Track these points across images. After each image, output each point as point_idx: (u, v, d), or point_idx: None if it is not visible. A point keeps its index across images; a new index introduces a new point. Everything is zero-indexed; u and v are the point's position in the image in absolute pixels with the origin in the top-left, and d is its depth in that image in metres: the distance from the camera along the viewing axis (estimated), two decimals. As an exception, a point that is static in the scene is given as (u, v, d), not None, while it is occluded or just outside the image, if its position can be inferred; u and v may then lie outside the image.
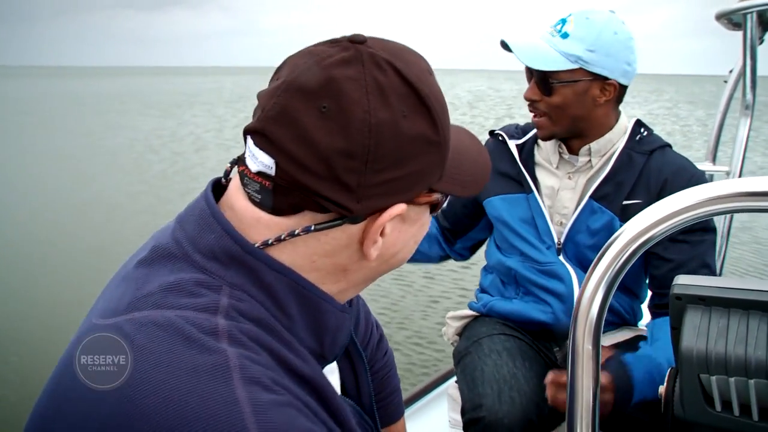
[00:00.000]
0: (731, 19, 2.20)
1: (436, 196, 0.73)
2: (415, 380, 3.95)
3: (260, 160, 0.65)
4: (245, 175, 0.68)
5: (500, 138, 1.77)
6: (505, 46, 1.57)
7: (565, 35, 1.53)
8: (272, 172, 0.65)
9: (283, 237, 0.67)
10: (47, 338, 4.68)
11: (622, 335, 1.65)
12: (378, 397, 1.19)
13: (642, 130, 1.64)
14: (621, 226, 1.50)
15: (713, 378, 0.75)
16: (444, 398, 1.98)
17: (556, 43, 1.52)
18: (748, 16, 2.09)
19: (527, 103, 1.64)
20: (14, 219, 8.64)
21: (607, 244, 0.74)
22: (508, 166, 1.72)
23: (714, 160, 2.53)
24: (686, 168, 1.56)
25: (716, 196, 0.69)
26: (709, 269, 1.52)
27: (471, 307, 1.82)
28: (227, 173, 0.75)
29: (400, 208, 0.68)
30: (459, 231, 1.87)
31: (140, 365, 0.59)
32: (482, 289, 1.83)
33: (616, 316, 1.66)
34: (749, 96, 2.27)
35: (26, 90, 49.22)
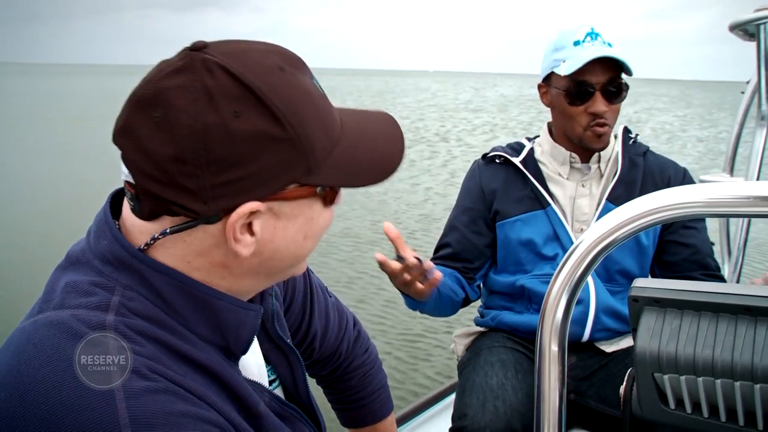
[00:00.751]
0: (746, 30, 2.18)
1: (314, 189, 0.73)
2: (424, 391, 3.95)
3: (123, 171, 0.71)
4: (125, 184, 0.74)
5: (498, 160, 1.79)
6: (594, 58, 1.56)
7: (610, 45, 1.61)
8: (132, 180, 0.70)
9: (149, 241, 0.71)
10: None
11: (627, 342, 1.67)
12: (362, 395, 1.22)
13: (630, 135, 1.78)
14: (644, 234, 1.58)
15: (666, 377, 0.77)
16: (448, 409, 2.01)
17: (619, 53, 1.58)
18: (762, 26, 2.07)
19: (589, 117, 1.63)
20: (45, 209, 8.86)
21: (574, 244, 0.77)
22: (517, 185, 1.74)
23: (732, 171, 2.50)
24: (677, 166, 1.77)
25: (668, 204, 0.71)
26: (712, 251, 1.73)
27: (477, 323, 1.85)
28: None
29: (251, 205, 0.69)
30: (478, 264, 1.78)
31: (32, 362, 0.65)
32: (487, 306, 1.85)
33: (628, 323, 1.64)
34: (765, 107, 2.24)
35: (57, 87, 50.49)
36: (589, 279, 1.62)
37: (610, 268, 1.66)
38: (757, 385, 0.72)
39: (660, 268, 1.72)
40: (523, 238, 1.68)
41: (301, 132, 0.69)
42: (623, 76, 1.63)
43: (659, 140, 18.60)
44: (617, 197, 1.65)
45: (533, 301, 1.68)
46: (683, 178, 1.74)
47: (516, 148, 1.82)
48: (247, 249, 0.72)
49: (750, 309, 0.75)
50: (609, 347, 1.66)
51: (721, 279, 1.72)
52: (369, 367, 1.23)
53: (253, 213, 0.70)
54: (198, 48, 0.69)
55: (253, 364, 0.88)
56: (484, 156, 1.83)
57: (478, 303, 1.91)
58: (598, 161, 1.71)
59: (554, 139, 1.76)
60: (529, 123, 23.46)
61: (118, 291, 0.70)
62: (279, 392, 0.97)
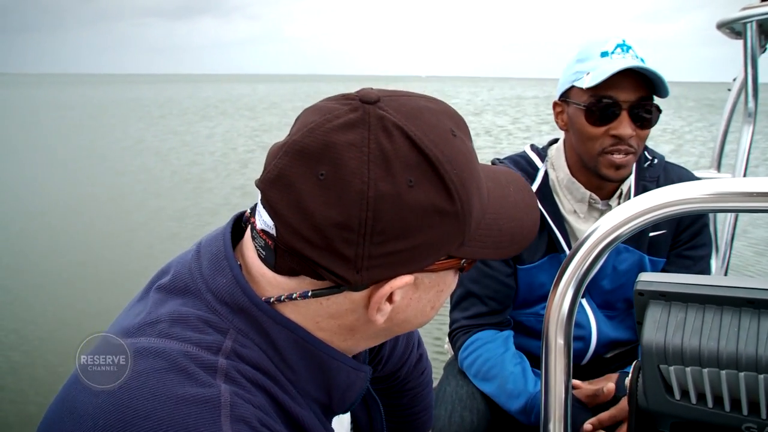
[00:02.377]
0: (732, 28, 2.22)
1: (458, 261, 0.69)
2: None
3: (264, 219, 0.65)
4: (254, 229, 0.68)
5: None
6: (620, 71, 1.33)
7: (643, 60, 1.38)
8: (273, 233, 0.64)
9: (282, 298, 0.67)
10: (51, 341, 4.75)
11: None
12: (408, 412, 1.20)
13: (647, 155, 1.57)
14: (650, 261, 1.55)
15: (671, 368, 0.79)
16: None
17: (649, 66, 1.36)
18: (748, 25, 2.11)
19: (610, 141, 1.38)
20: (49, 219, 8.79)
21: (580, 239, 0.78)
22: None
23: (719, 167, 2.54)
24: (690, 178, 1.56)
25: (680, 198, 0.72)
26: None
27: None
28: (247, 218, 0.74)
29: (406, 279, 0.65)
30: (510, 301, 1.60)
31: (134, 392, 0.60)
32: None
33: (627, 345, 1.62)
34: (751, 104, 2.29)
35: (52, 97, 50.04)
36: (590, 313, 1.57)
37: (613, 299, 1.58)
38: (761, 376, 0.74)
39: None
40: (534, 283, 1.54)
41: (467, 206, 0.65)
42: (655, 98, 1.40)
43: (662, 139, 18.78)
44: (630, 238, 1.48)
45: (530, 334, 1.60)
46: None
47: (527, 169, 1.57)
48: (384, 317, 0.69)
49: (754, 302, 0.77)
50: (609, 353, 1.64)
51: None
52: (422, 388, 1.20)
53: (401, 286, 0.66)
54: (371, 101, 0.63)
55: (342, 419, 0.87)
56: None
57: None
58: (619, 197, 1.51)
59: (570, 168, 1.52)
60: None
61: (231, 335, 0.66)
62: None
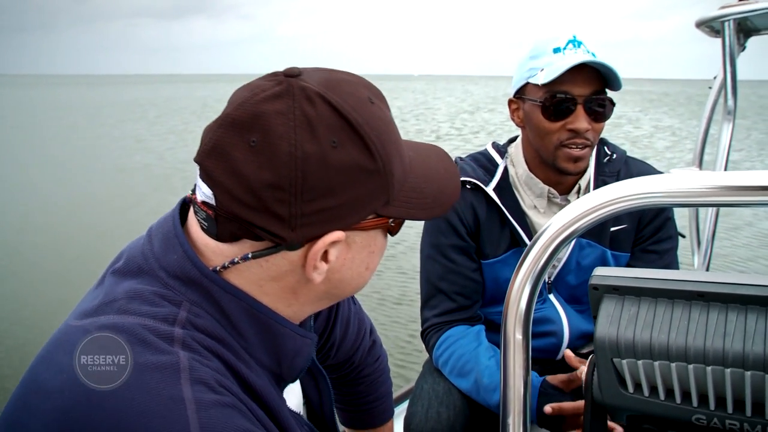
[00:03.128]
0: (711, 27, 2.24)
1: (387, 221, 0.75)
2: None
3: (203, 191, 0.70)
4: (195, 203, 0.73)
5: (469, 186, 1.55)
6: (573, 65, 1.35)
7: (594, 55, 1.39)
8: (213, 202, 0.69)
9: (226, 264, 0.71)
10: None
11: None
12: (367, 400, 1.25)
13: (606, 150, 1.59)
14: (612, 256, 1.57)
15: (624, 362, 0.80)
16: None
17: (600, 60, 1.38)
18: (726, 23, 2.12)
19: (567, 134, 1.41)
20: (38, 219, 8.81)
21: (537, 234, 0.79)
22: (495, 220, 1.55)
23: (700, 164, 2.56)
24: (653, 172, 1.61)
25: (634, 193, 0.73)
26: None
27: None
28: (190, 198, 0.78)
29: (337, 235, 0.70)
30: (479, 296, 1.62)
31: None
32: None
33: None
34: (731, 102, 2.30)
35: (44, 98, 49.94)
36: (560, 309, 1.59)
37: (580, 294, 1.60)
38: (709, 368, 0.75)
39: None
40: (500, 278, 1.56)
41: (387, 164, 0.71)
42: (608, 91, 1.44)
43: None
44: (588, 232, 1.45)
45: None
46: None
47: (486, 166, 1.60)
48: (321, 276, 0.73)
49: (703, 295, 0.78)
50: (584, 349, 1.65)
51: None
52: (378, 375, 1.25)
53: (333, 242, 0.71)
54: (294, 74, 0.69)
55: (295, 392, 0.91)
56: None
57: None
58: (578, 192, 1.55)
59: (528, 164, 1.55)
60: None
61: (185, 306, 0.70)
62: (304, 413, 1.00)
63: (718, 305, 0.77)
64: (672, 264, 1.60)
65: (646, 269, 0.86)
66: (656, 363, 0.78)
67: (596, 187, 1.52)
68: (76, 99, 48.13)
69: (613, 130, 19.68)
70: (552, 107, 1.41)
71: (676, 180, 0.72)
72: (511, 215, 1.54)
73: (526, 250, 0.80)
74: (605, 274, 0.84)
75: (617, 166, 1.56)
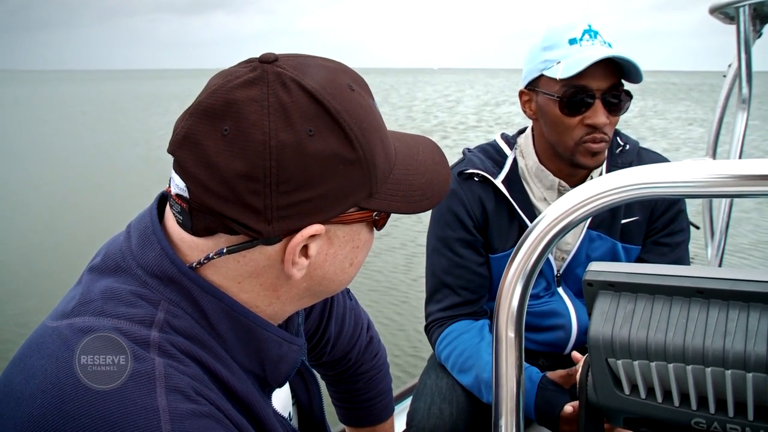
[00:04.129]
0: (726, 13, 2.17)
1: (371, 214, 0.72)
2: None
3: (176, 183, 0.67)
4: (170, 196, 0.70)
5: (477, 178, 1.53)
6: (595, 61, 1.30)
7: (610, 45, 1.37)
8: (186, 194, 0.66)
9: (202, 261, 0.68)
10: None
11: None
12: (366, 397, 1.22)
13: (619, 141, 1.56)
14: (623, 248, 1.53)
15: (619, 362, 0.77)
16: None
17: (622, 53, 1.33)
18: (741, 9, 2.06)
19: (585, 130, 1.37)
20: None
21: (529, 227, 0.75)
22: (504, 213, 1.52)
23: (714, 154, 2.50)
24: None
25: (621, 185, 0.69)
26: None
27: None
28: (166, 191, 0.75)
29: (315, 228, 0.67)
30: (486, 291, 1.59)
31: (72, 371, 0.62)
32: None
33: None
34: (745, 90, 2.24)
35: (70, 93, 50.54)
36: (569, 302, 1.56)
37: None
38: (708, 369, 0.72)
39: None
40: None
41: (369, 155, 0.68)
42: (625, 83, 1.39)
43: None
44: (599, 223, 1.51)
45: None
46: None
47: (495, 158, 1.56)
48: (301, 272, 0.70)
49: (703, 291, 0.74)
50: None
51: None
52: (376, 371, 1.22)
53: (312, 236, 0.68)
54: (269, 60, 0.66)
55: (283, 392, 0.88)
56: (460, 173, 1.54)
57: None
58: None
59: (539, 155, 1.51)
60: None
61: (162, 306, 0.68)
62: (294, 413, 0.97)
63: (718, 302, 0.73)
64: (684, 257, 1.56)
65: (643, 264, 0.82)
66: (653, 364, 0.74)
67: None
68: (102, 93, 48.78)
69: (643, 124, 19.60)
70: (571, 102, 1.36)
71: (682, 169, 0.68)
72: (520, 208, 1.50)
73: (516, 247, 0.77)
74: (600, 269, 0.80)
75: (630, 157, 1.53)
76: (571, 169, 1.48)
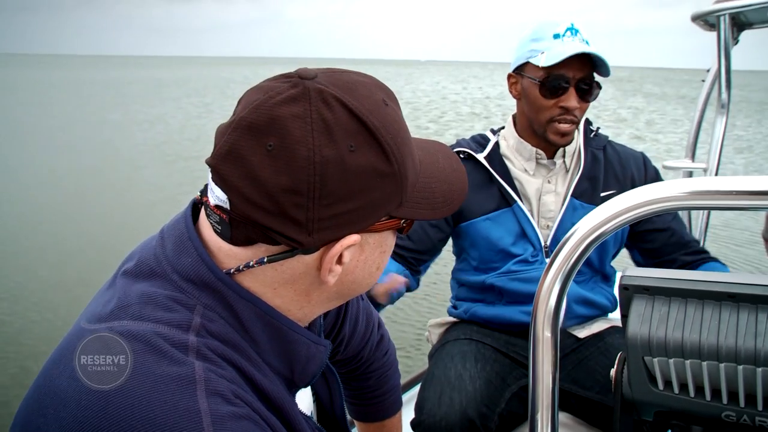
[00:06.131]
0: (707, 21, 2.26)
1: (398, 222, 0.75)
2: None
3: (216, 195, 0.69)
4: (207, 206, 0.72)
5: (462, 155, 1.74)
6: (570, 56, 1.53)
7: (587, 42, 1.59)
8: (227, 206, 0.68)
9: (240, 268, 0.70)
10: (44, 326, 4.79)
11: (598, 326, 1.72)
12: (376, 393, 1.24)
13: (591, 128, 1.78)
14: None
15: (655, 360, 0.82)
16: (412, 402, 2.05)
17: (596, 51, 1.56)
18: (722, 17, 2.15)
19: (558, 111, 1.60)
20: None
21: (566, 236, 0.80)
22: (483, 183, 1.71)
23: (693, 157, 2.59)
24: (636, 155, 1.80)
25: (663, 196, 0.74)
26: (687, 229, 1.76)
27: (450, 314, 1.88)
28: (199, 200, 0.77)
29: (353, 238, 0.70)
30: (428, 257, 1.78)
31: None
32: (458, 298, 1.86)
33: (598, 308, 1.72)
34: (724, 95, 2.34)
35: (48, 78, 49.00)
36: None
37: None
38: (740, 366, 0.77)
39: (644, 257, 1.76)
40: (492, 237, 1.68)
41: (402, 167, 0.71)
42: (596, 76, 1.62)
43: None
44: (581, 193, 1.67)
45: (504, 295, 1.71)
46: (644, 164, 1.77)
47: (480, 141, 1.79)
48: (334, 278, 0.73)
49: (733, 296, 0.80)
50: (582, 332, 1.72)
51: (703, 252, 1.75)
52: (386, 368, 1.24)
53: (350, 245, 0.70)
54: (309, 77, 0.68)
55: (304, 394, 0.90)
56: None
57: (449, 294, 1.93)
58: (563, 156, 1.71)
59: (519, 133, 1.73)
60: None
61: (198, 310, 0.70)
62: (314, 411, 1.00)
63: (748, 306, 0.79)
64: (681, 223, 1.76)
65: (675, 270, 0.88)
66: (687, 361, 0.80)
67: (586, 155, 1.72)
68: (89, 78, 47.23)
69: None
70: (549, 86, 1.60)
71: (698, 184, 0.73)
72: (500, 177, 1.70)
73: (555, 250, 0.81)
74: (635, 274, 0.85)
75: (602, 142, 1.77)
76: (545, 145, 1.70)
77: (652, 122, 22.09)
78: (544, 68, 1.58)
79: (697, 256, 1.72)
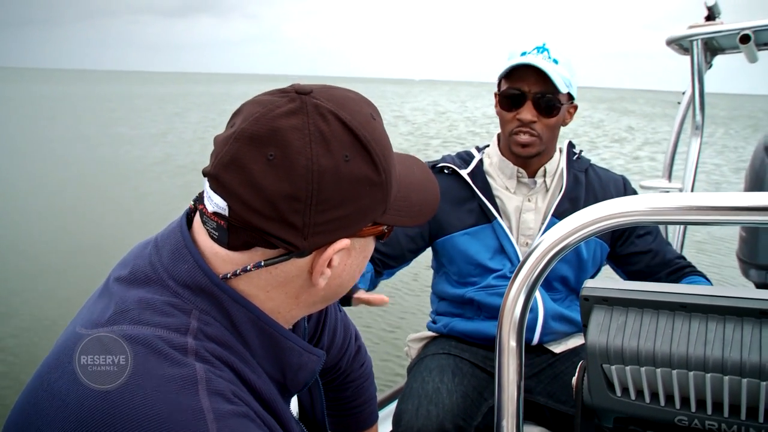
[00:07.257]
0: (681, 45, 2.34)
1: (381, 228, 0.79)
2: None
3: (215, 202, 0.72)
4: (204, 214, 0.76)
5: (447, 171, 1.79)
6: (520, 67, 1.60)
7: (556, 61, 1.64)
8: (226, 213, 0.72)
9: (238, 272, 0.74)
10: (44, 337, 4.78)
11: (574, 342, 1.77)
12: (352, 404, 1.27)
13: (575, 150, 1.82)
14: None
15: (613, 367, 0.86)
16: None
17: (555, 68, 1.61)
18: (695, 42, 2.23)
19: (517, 123, 1.66)
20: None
21: (530, 248, 0.84)
22: (465, 198, 1.76)
23: (669, 177, 2.65)
24: (616, 179, 1.83)
25: (624, 211, 0.79)
26: (669, 247, 1.79)
27: (429, 328, 1.91)
28: (192, 208, 0.81)
29: (345, 242, 0.75)
30: (395, 263, 1.82)
31: None
32: (438, 312, 1.89)
33: (574, 325, 1.76)
34: (699, 117, 2.41)
35: (46, 92, 48.77)
36: (537, 295, 1.69)
37: (551, 277, 1.74)
38: (691, 373, 0.82)
39: (630, 278, 1.80)
40: (470, 251, 1.71)
41: (389, 176, 0.76)
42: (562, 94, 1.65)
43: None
44: (562, 212, 1.69)
45: (483, 310, 1.74)
46: (624, 187, 1.81)
47: (465, 158, 1.84)
48: (324, 281, 0.78)
49: (685, 306, 0.85)
50: (557, 348, 1.75)
51: (687, 266, 1.78)
52: (363, 380, 1.28)
53: (340, 249, 0.75)
54: (305, 92, 0.73)
55: (293, 399, 0.93)
56: (433, 167, 1.81)
57: (429, 309, 1.96)
58: (544, 175, 1.75)
59: (502, 152, 1.78)
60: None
61: (194, 315, 0.73)
62: (295, 411, 1.02)
63: (699, 315, 0.84)
64: (663, 242, 1.79)
65: (632, 282, 0.92)
66: (643, 368, 0.84)
67: (569, 176, 1.75)
68: (87, 93, 47.11)
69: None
70: (505, 98, 1.67)
71: (664, 199, 0.78)
72: (481, 193, 1.74)
73: (520, 263, 0.85)
74: (595, 285, 0.90)
75: (584, 164, 1.81)
76: (523, 161, 1.74)
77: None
78: (504, 81, 1.67)
79: (680, 272, 1.75)
